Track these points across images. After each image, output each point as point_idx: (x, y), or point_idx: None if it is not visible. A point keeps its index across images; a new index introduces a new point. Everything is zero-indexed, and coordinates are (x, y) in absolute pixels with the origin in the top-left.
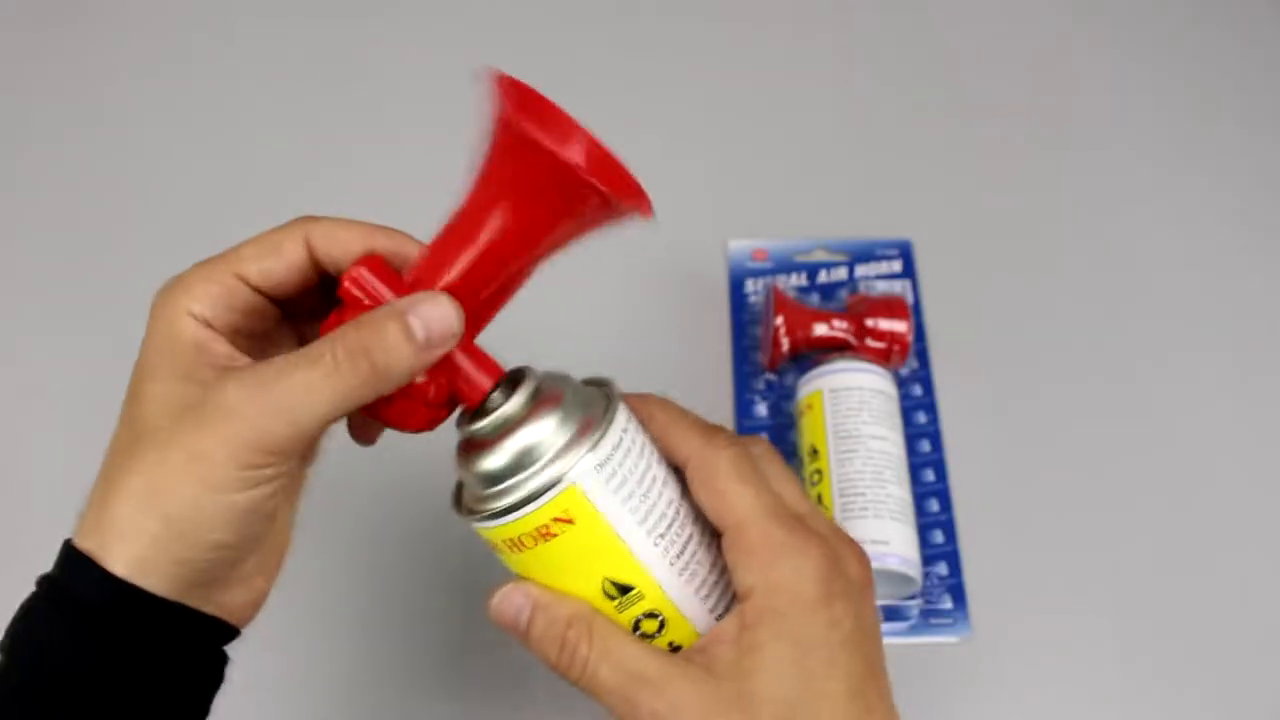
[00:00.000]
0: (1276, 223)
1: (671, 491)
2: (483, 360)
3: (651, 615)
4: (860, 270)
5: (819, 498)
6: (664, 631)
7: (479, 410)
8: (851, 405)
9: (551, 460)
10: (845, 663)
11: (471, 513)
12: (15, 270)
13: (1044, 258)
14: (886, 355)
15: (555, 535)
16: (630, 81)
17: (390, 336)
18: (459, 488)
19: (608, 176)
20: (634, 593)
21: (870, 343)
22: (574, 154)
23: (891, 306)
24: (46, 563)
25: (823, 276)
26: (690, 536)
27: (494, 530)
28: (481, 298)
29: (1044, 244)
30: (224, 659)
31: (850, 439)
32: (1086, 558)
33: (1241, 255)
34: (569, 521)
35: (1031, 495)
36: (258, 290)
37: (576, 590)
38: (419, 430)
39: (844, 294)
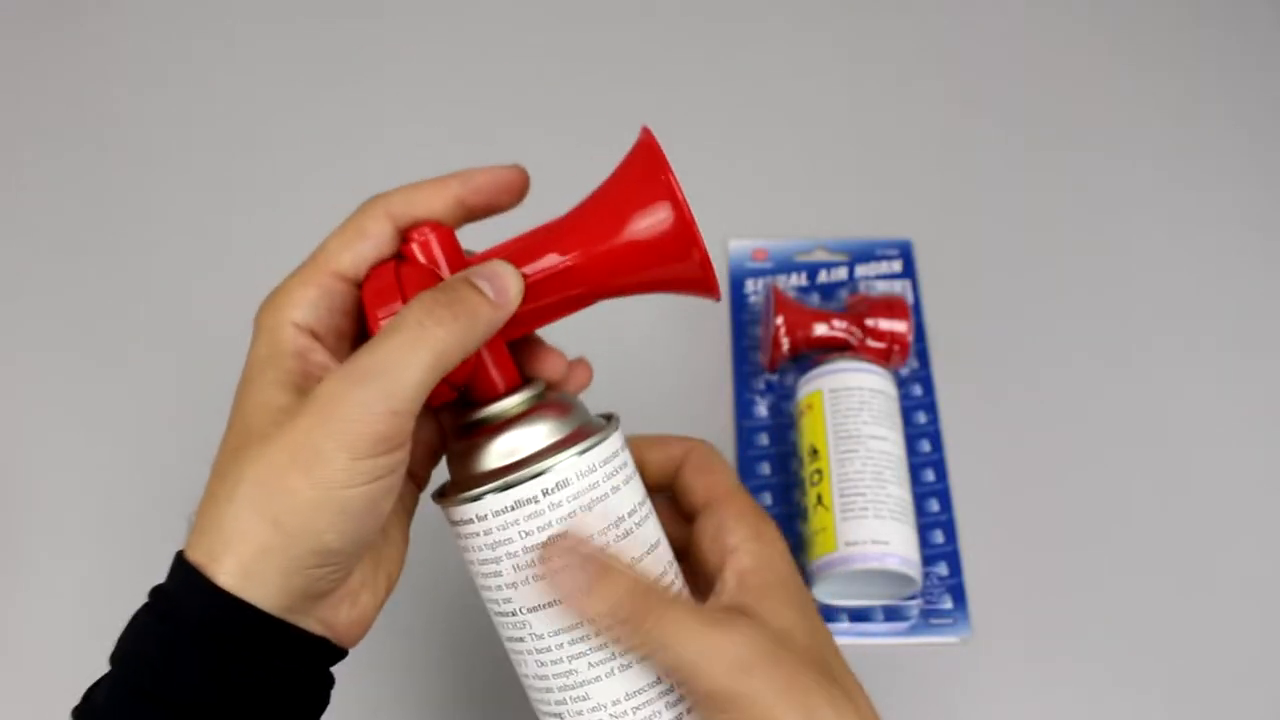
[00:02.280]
0: (1277, 223)
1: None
2: (506, 362)
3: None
4: (860, 270)
5: (819, 498)
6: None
7: (487, 401)
8: (851, 405)
9: (549, 449)
10: (815, 604)
11: (480, 485)
12: (16, 272)
13: (1044, 258)
14: (886, 355)
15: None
16: (630, 81)
17: (464, 292)
18: (443, 486)
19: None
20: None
21: (870, 343)
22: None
23: (891, 306)
24: (48, 562)
25: (823, 276)
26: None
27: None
28: (532, 307)
29: (1044, 244)
30: (329, 680)
31: (850, 439)
32: (1086, 558)
33: (1243, 256)
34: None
35: (1031, 495)
36: (355, 283)
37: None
38: (432, 403)
39: (844, 294)
